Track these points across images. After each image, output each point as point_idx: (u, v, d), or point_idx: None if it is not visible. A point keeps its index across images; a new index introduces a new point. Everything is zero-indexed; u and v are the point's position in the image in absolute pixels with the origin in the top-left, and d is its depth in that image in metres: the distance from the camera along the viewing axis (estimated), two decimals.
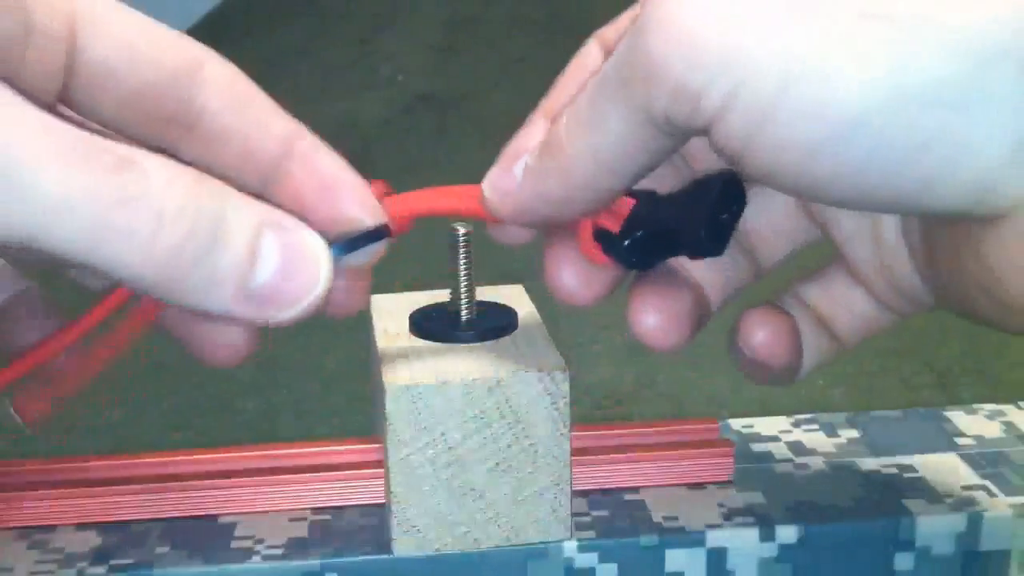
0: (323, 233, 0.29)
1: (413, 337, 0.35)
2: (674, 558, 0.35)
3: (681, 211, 0.31)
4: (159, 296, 0.26)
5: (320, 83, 1.53)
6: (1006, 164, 0.25)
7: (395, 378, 0.32)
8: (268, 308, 0.27)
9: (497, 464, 0.33)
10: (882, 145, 0.25)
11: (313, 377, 0.72)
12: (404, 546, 0.34)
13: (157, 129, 0.30)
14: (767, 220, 0.35)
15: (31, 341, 0.31)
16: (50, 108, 0.29)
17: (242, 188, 0.29)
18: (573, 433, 0.38)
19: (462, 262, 0.35)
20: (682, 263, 0.34)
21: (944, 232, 0.29)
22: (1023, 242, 0.26)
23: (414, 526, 0.33)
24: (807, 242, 0.35)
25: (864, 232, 0.33)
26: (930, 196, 0.26)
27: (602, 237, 0.31)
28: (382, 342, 0.35)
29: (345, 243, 0.30)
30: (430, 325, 0.35)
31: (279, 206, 0.29)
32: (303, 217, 0.29)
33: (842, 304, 0.35)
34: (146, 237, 0.25)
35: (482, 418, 0.33)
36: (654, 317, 0.32)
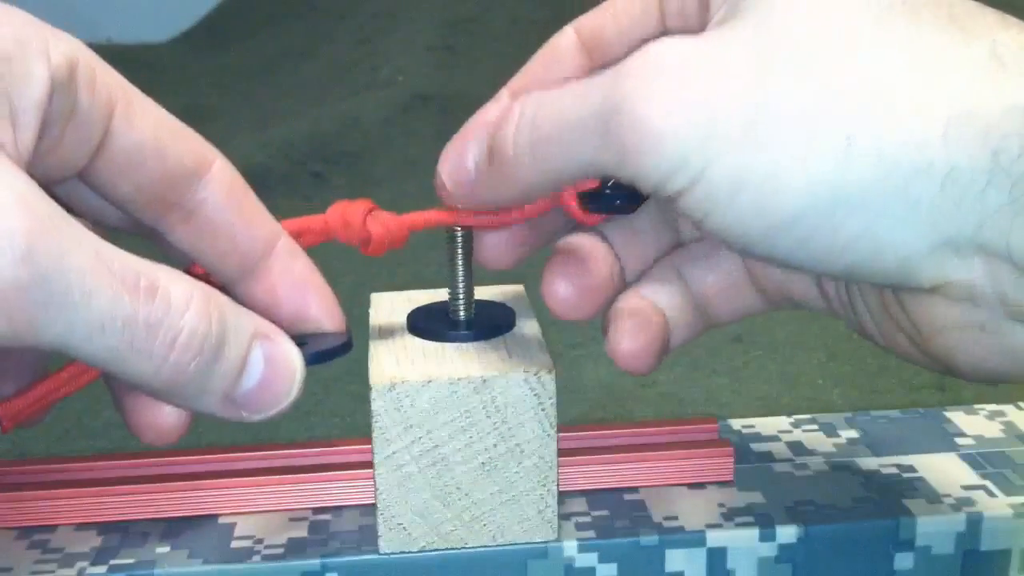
0: (295, 337, 0.31)
1: (408, 336, 0.35)
2: (674, 558, 0.35)
3: None
4: (151, 395, 0.30)
5: (320, 83, 1.53)
6: (924, 258, 0.28)
7: (381, 376, 0.32)
8: (244, 411, 0.30)
9: (483, 464, 0.33)
10: (812, 240, 0.28)
11: (313, 377, 0.72)
12: (390, 544, 0.34)
13: (159, 212, 0.33)
14: None
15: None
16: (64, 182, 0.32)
17: (221, 274, 0.34)
18: (573, 433, 0.38)
19: (460, 261, 0.35)
20: (601, 234, 0.35)
21: (867, 286, 0.32)
22: (946, 310, 0.28)
23: (400, 524, 0.33)
24: None
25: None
26: (855, 278, 0.29)
27: (585, 197, 0.33)
28: (376, 340, 0.35)
29: (315, 355, 0.32)
30: (425, 324, 0.35)
31: (253, 296, 0.33)
32: (274, 310, 0.33)
33: (727, 293, 0.35)
34: (160, 356, 0.28)
35: (468, 417, 0.33)
36: (565, 288, 0.34)
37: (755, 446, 0.40)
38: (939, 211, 0.27)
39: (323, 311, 0.34)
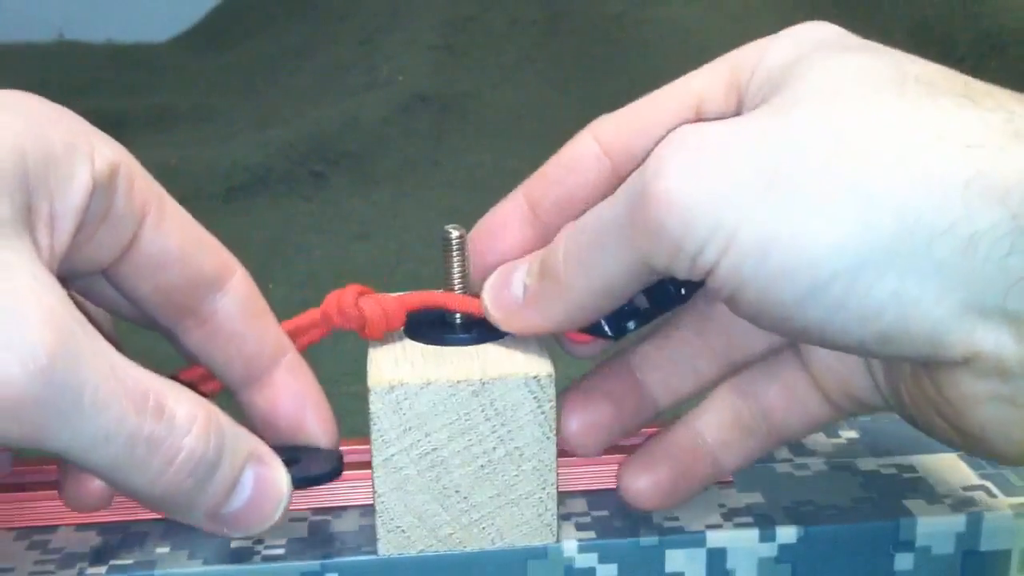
0: (286, 449, 0.33)
1: (407, 339, 0.35)
2: (674, 558, 0.35)
3: None
4: (140, 503, 0.30)
5: (320, 83, 1.53)
6: (954, 322, 0.27)
7: (380, 378, 0.32)
8: (227, 528, 0.31)
9: (482, 467, 0.33)
10: (844, 304, 0.28)
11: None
12: (388, 546, 0.34)
13: (175, 315, 0.34)
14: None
15: None
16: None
17: (226, 379, 0.35)
18: None
19: (455, 265, 0.35)
20: (631, 367, 0.36)
21: (905, 367, 0.31)
22: (976, 383, 0.28)
23: (398, 526, 0.33)
24: (778, 344, 0.36)
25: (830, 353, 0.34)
26: (889, 347, 0.29)
27: None
28: (375, 343, 0.35)
29: (303, 479, 0.33)
30: (424, 327, 0.35)
31: (253, 403, 0.35)
32: (271, 419, 0.35)
33: (793, 403, 0.35)
34: (157, 473, 0.29)
35: (467, 420, 0.33)
36: (576, 423, 0.35)
37: None
38: (965, 274, 0.27)
39: (318, 428, 0.35)
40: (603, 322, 0.34)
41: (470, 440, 0.33)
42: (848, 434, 0.41)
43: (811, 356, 0.35)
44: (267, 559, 0.34)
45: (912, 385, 0.31)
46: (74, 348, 0.27)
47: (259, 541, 0.35)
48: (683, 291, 0.34)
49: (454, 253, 0.35)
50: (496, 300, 0.34)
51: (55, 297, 0.28)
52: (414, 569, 0.34)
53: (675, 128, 0.30)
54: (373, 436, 0.33)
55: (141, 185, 0.32)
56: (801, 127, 0.29)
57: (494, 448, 0.33)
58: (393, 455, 0.33)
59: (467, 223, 0.36)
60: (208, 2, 1.83)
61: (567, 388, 0.35)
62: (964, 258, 0.27)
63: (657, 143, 0.31)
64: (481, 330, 0.35)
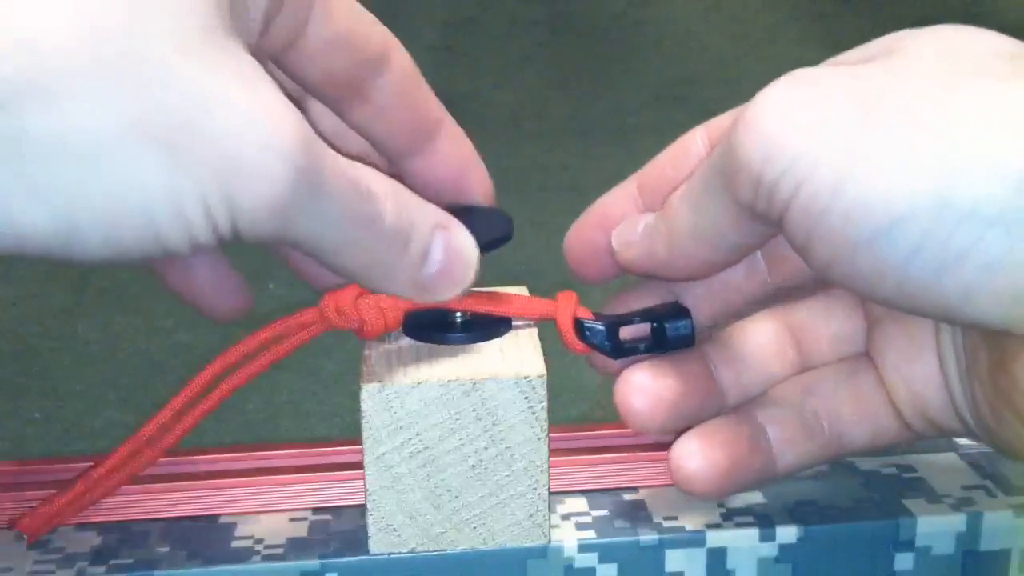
0: (456, 208, 0.33)
1: (403, 337, 0.35)
2: (674, 558, 0.35)
3: (653, 311, 0.35)
4: (349, 277, 0.31)
5: None
6: None
7: (371, 377, 0.32)
8: (427, 294, 0.32)
9: (473, 467, 0.33)
10: (921, 248, 0.26)
11: (313, 377, 0.72)
12: (379, 545, 0.34)
13: (338, 92, 0.34)
14: (822, 321, 0.36)
15: None
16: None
17: (388, 151, 0.36)
18: (573, 433, 0.38)
19: None
20: (704, 355, 0.35)
21: (982, 355, 0.31)
22: None
23: (390, 525, 0.33)
24: (852, 353, 0.36)
25: (906, 346, 0.34)
26: (970, 306, 0.27)
27: (580, 326, 0.35)
28: (371, 341, 0.35)
29: (484, 244, 0.34)
30: (420, 326, 0.35)
31: (417, 171, 0.36)
32: (434, 185, 0.36)
33: (862, 412, 0.35)
34: (367, 248, 0.30)
35: (458, 420, 0.33)
36: (639, 396, 0.34)
37: None
38: None
39: (479, 191, 0.36)
40: (604, 333, 0.34)
41: (461, 440, 0.33)
42: None
43: (887, 365, 0.34)
44: (267, 559, 0.34)
45: (989, 386, 0.30)
46: (314, 146, 0.28)
47: (259, 540, 0.35)
48: (693, 334, 0.35)
49: None
50: (618, 234, 0.35)
51: (286, 103, 0.28)
52: (413, 568, 0.34)
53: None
54: (364, 434, 0.33)
55: None
56: (903, 72, 0.28)
57: (485, 448, 0.33)
58: (384, 454, 0.33)
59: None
60: None
61: (634, 361, 0.35)
62: None
63: None
64: (477, 329, 0.35)
